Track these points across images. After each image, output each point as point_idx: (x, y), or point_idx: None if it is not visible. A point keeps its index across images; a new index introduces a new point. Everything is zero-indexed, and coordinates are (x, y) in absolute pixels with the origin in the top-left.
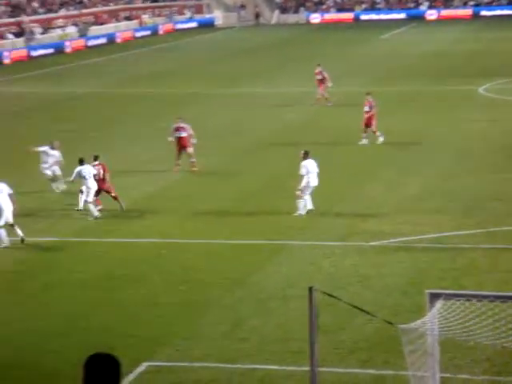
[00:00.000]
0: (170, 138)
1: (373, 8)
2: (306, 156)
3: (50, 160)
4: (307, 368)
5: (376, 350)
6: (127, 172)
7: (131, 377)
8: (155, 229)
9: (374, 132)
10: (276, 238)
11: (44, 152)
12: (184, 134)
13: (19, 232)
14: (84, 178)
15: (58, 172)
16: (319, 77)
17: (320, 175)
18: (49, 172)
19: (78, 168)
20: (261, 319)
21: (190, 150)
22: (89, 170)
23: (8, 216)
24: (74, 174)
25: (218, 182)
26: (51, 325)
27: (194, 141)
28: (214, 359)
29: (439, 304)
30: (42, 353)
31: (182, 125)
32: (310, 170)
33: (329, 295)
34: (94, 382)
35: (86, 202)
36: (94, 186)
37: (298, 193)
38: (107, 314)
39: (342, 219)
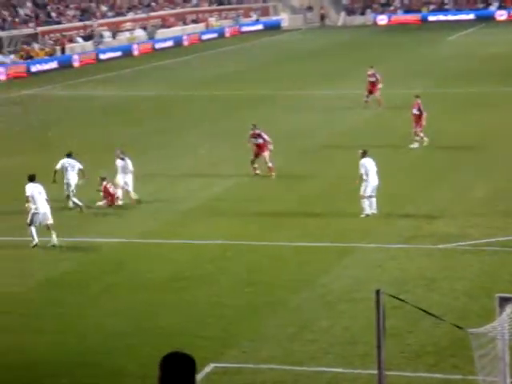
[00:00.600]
0: (249, 145)
1: (441, 9)
2: (364, 155)
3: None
4: (374, 371)
5: (444, 354)
6: (194, 174)
7: (198, 377)
8: (221, 230)
9: (416, 134)
10: (342, 241)
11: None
12: (261, 141)
13: (54, 237)
14: (66, 169)
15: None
16: (372, 79)
17: (386, 177)
18: (121, 181)
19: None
20: (327, 322)
21: (266, 154)
22: (72, 164)
23: (43, 218)
24: (58, 164)
25: (284, 184)
26: (118, 325)
27: (271, 147)
28: (281, 361)
29: (509, 308)
30: (110, 352)
31: (257, 131)
32: (368, 169)
33: (396, 298)
34: (170, 381)
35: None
36: (74, 179)
37: (361, 193)
38: (173, 314)
39: (408, 221)
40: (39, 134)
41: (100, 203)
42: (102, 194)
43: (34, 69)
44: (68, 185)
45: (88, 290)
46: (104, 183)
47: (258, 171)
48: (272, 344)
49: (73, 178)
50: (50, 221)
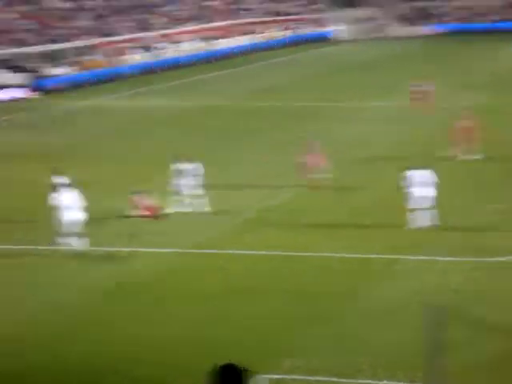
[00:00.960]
0: (302, 158)
1: (503, 19)
2: (409, 167)
3: (185, 175)
4: None
5: (499, 370)
6: (249, 185)
7: None
8: (272, 242)
9: (470, 147)
10: (391, 252)
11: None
12: (312, 152)
13: (80, 242)
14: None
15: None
16: (421, 88)
17: (440, 190)
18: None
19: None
20: (375, 333)
21: (319, 165)
22: (64, 181)
23: (76, 227)
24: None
25: (335, 196)
26: (170, 336)
27: (320, 158)
28: (330, 373)
29: None
30: (161, 363)
31: (309, 142)
32: (414, 181)
33: (447, 312)
34: None
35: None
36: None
37: (407, 205)
38: (225, 326)
39: (459, 234)
40: (95, 145)
41: (134, 213)
42: (137, 209)
43: (91, 80)
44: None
45: (140, 301)
46: (138, 198)
47: (312, 182)
48: (320, 356)
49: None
50: (80, 229)
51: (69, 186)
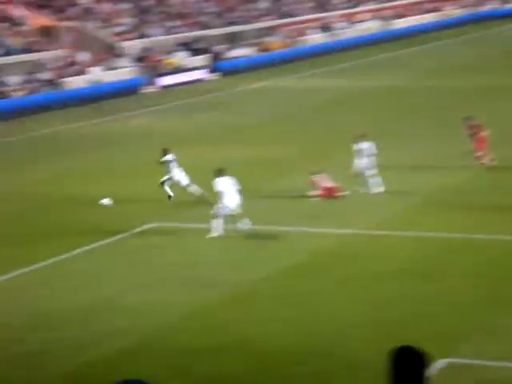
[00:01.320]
0: (475, 138)
1: None
2: None
3: (363, 154)
4: None
5: None
6: (421, 166)
7: (429, 372)
8: (447, 223)
9: None
10: None
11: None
12: (477, 131)
13: (240, 225)
14: (173, 165)
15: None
16: None
17: None
18: (359, 168)
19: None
20: None
21: (484, 145)
22: (176, 158)
23: (234, 211)
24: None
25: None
26: (351, 316)
27: (486, 134)
28: None
29: None
30: (343, 343)
31: (473, 123)
32: None
33: None
34: (401, 374)
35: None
36: (179, 175)
37: None
38: (402, 307)
39: None
40: (276, 126)
41: (312, 193)
42: (315, 189)
43: (270, 61)
44: (182, 179)
45: (322, 281)
46: (317, 178)
47: (487, 162)
48: (505, 341)
49: (179, 171)
50: (239, 211)
51: (223, 170)
